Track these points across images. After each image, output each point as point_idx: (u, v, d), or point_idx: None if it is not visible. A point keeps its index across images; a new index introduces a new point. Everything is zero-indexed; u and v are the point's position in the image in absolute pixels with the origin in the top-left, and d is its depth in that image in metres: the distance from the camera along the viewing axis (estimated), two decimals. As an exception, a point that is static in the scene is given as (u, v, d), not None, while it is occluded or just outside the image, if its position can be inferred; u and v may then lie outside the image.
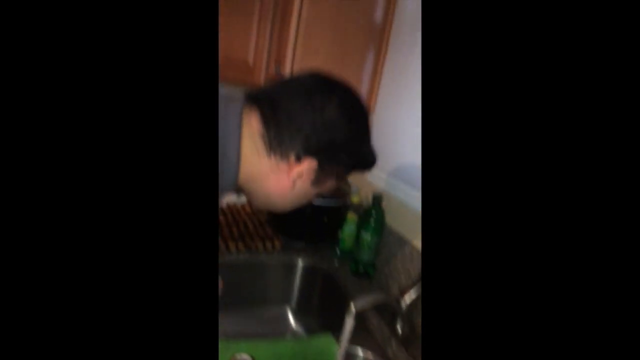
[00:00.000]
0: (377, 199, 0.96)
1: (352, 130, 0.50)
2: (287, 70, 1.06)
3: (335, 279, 0.99)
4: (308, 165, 0.48)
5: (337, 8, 1.06)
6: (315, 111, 0.47)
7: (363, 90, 1.16)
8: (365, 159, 0.54)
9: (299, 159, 0.48)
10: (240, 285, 1.02)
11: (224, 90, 0.45)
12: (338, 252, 1.08)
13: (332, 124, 0.48)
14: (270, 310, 1.06)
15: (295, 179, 0.50)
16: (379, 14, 1.10)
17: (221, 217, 1.22)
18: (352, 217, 1.07)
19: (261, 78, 1.28)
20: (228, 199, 1.39)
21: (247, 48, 1.30)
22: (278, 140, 0.47)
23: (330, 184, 0.54)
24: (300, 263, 1.06)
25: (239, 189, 0.55)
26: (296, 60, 1.06)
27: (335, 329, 0.97)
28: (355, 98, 0.52)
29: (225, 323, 0.91)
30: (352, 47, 1.11)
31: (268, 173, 0.49)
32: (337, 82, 0.51)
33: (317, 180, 0.51)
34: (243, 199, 1.45)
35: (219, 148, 0.45)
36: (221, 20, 1.35)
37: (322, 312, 1.03)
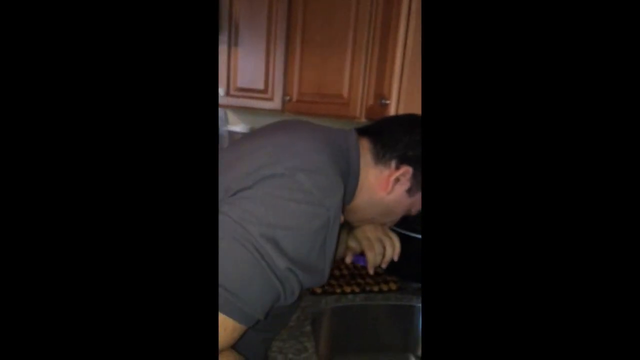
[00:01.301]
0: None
1: None
2: (393, 102, 1.03)
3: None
4: (404, 171, 0.62)
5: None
6: (408, 132, 0.64)
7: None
8: None
9: (397, 167, 0.63)
10: (359, 330, 0.97)
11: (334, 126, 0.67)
12: (460, 292, 1.00)
13: (420, 141, 0.63)
14: (392, 357, 0.99)
15: (393, 183, 0.63)
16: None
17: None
18: (475, 254, 0.98)
19: (357, 110, 1.26)
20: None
21: (341, 82, 1.30)
22: (382, 152, 0.63)
23: (418, 200, 0.67)
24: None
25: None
26: (402, 91, 1.02)
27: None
28: None
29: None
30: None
31: (373, 182, 0.63)
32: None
33: (410, 189, 0.64)
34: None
35: (346, 165, 0.60)
36: (312, 59, 1.37)
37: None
